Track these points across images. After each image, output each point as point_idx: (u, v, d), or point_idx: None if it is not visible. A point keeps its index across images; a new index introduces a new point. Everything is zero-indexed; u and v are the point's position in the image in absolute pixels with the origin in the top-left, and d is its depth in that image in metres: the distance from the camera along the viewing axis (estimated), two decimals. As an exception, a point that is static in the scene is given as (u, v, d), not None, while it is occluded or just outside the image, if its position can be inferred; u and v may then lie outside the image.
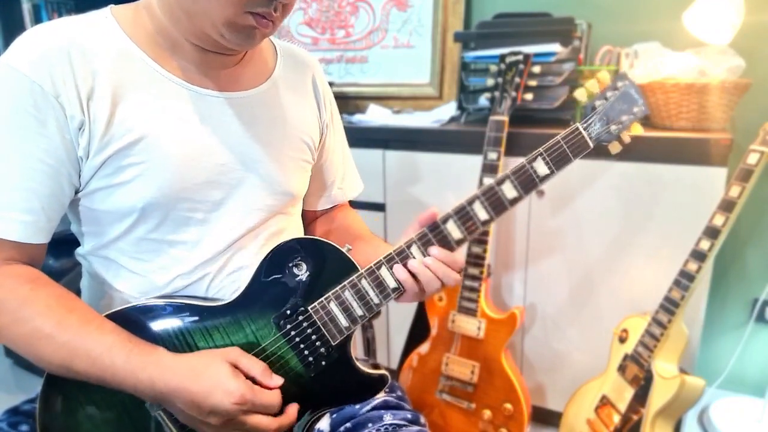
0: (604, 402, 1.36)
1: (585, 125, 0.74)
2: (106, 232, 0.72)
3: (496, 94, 1.43)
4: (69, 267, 0.85)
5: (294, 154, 0.82)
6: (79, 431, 0.70)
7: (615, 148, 0.78)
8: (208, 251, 0.75)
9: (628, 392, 1.30)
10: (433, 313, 1.54)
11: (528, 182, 0.72)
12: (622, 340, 1.35)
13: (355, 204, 1.02)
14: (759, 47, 1.47)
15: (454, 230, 0.72)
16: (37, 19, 2.10)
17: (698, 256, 1.19)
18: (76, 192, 0.70)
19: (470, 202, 0.72)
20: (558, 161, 0.73)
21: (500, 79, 1.43)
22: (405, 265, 0.72)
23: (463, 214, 0.72)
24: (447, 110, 1.77)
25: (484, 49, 1.56)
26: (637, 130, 0.78)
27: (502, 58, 1.45)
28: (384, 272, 0.72)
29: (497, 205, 0.72)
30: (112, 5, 0.73)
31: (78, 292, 0.80)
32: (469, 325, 1.46)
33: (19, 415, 0.80)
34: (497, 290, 1.59)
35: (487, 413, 1.48)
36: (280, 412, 0.69)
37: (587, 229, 1.44)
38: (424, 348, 1.57)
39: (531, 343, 1.60)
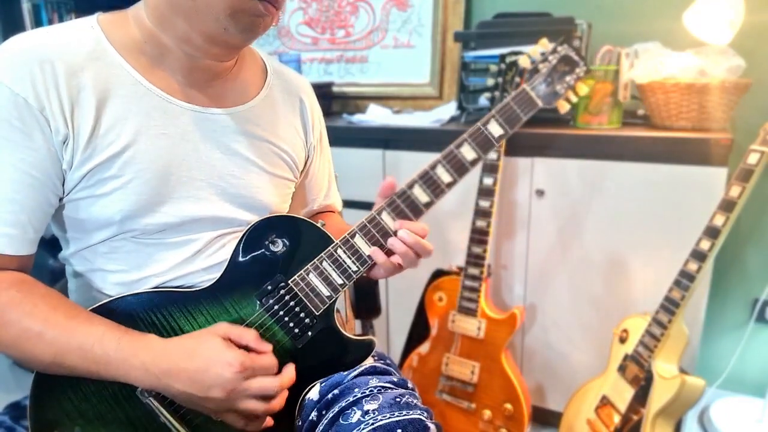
0: (605, 402, 1.36)
1: (531, 86, 0.82)
2: (91, 237, 0.73)
3: (496, 93, 1.43)
4: (69, 267, 0.84)
5: (275, 171, 0.82)
6: (72, 427, 0.70)
7: (563, 107, 0.86)
8: (186, 252, 0.75)
9: (629, 392, 1.30)
10: (433, 313, 1.54)
11: (485, 143, 0.79)
12: (623, 340, 1.35)
13: (355, 204, 1.02)
14: (759, 47, 1.47)
15: (420, 194, 0.76)
16: (37, 19, 2.10)
17: (698, 256, 1.19)
18: (60, 200, 0.70)
19: (433, 166, 0.76)
20: (510, 120, 0.80)
21: (500, 79, 1.43)
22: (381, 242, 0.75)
23: (427, 179, 0.76)
24: (447, 110, 1.77)
25: (484, 49, 1.56)
26: (583, 90, 0.86)
27: (502, 58, 1.45)
28: (358, 240, 0.75)
29: (459, 167, 0.77)
30: (100, 13, 0.72)
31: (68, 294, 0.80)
32: (469, 325, 1.46)
33: (21, 410, 0.80)
34: (497, 290, 1.59)
35: (487, 413, 1.48)
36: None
37: (587, 229, 1.44)
38: (424, 348, 1.57)
39: (531, 343, 1.60)
